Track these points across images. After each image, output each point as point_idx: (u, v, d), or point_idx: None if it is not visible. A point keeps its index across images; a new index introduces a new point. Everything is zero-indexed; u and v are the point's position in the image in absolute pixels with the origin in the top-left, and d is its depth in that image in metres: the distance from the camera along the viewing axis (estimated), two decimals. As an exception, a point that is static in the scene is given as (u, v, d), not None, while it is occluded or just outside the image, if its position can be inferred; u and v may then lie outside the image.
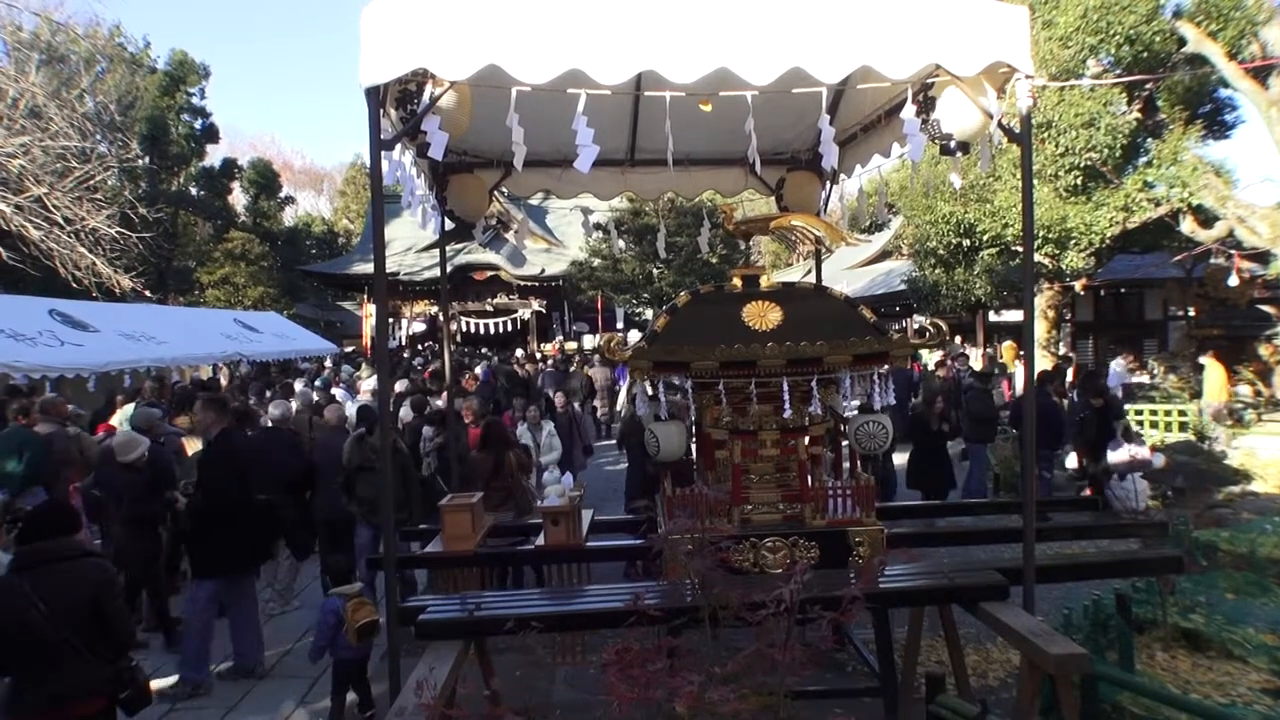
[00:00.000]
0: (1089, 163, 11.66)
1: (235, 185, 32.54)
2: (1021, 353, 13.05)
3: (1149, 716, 3.45)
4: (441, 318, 7.10)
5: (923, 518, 6.14)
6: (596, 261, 23.57)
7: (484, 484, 5.55)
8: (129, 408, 7.75)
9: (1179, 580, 4.88)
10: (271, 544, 5.55)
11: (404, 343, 25.89)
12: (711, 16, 3.08)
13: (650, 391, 4.08)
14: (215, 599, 5.06)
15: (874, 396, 4.06)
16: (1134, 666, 4.03)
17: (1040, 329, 14.17)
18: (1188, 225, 12.02)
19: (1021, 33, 3.38)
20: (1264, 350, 13.76)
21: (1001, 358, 16.44)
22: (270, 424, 6.72)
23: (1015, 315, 17.71)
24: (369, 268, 23.04)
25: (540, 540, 4.57)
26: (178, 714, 4.64)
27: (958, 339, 18.48)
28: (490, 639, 3.60)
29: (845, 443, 4.64)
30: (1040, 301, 14.09)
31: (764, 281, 4.31)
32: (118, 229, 12.87)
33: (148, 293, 16.65)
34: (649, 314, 23.01)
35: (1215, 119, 13.45)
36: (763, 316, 4.01)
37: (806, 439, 4.16)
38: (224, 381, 13.36)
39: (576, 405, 10.96)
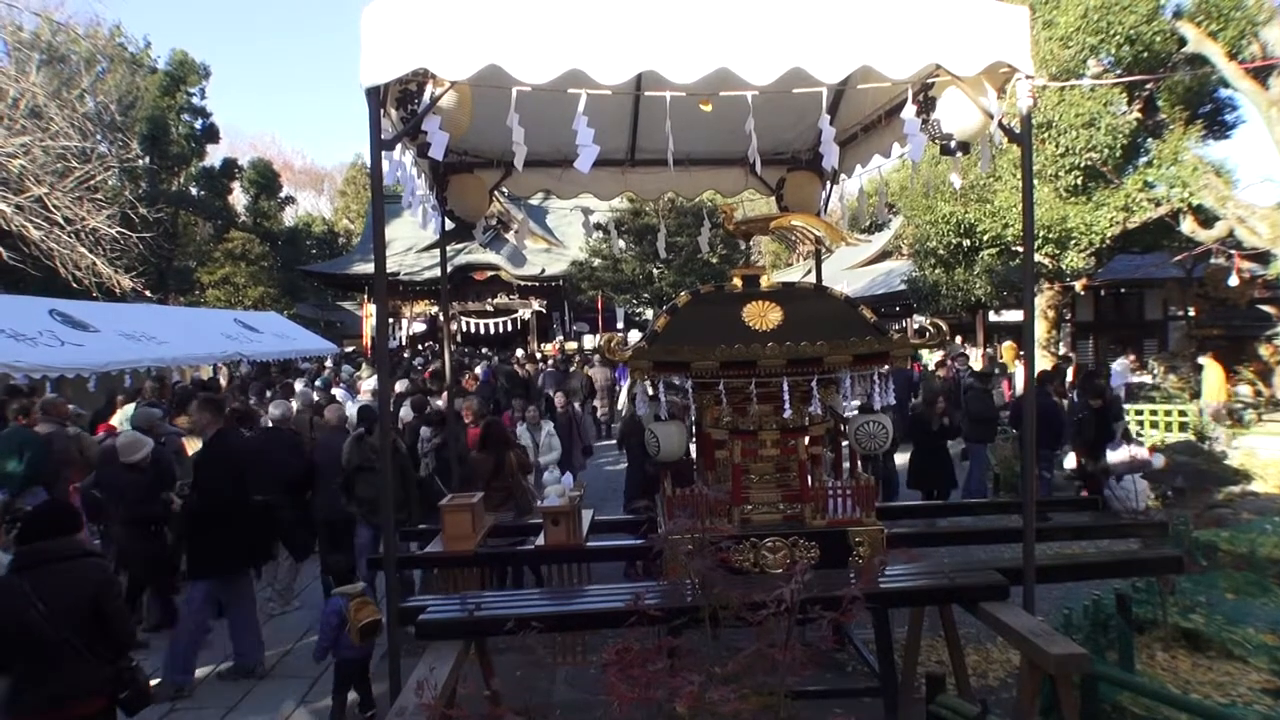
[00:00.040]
0: (1089, 163, 11.66)
1: (235, 185, 32.57)
2: (1021, 353, 13.06)
3: (1149, 717, 3.45)
4: (442, 318, 7.10)
5: (923, 518, 6.14)
6: (597, 261, 23.57)
7: (484, 484, 5.55)
8: (129, 408, 7.76)
9: (1179, 580, 4.88)
10: (269, 545, 5.54)
11: (404, 343, 25.88)
12: (712, 16, 3.08)
13: (650, 391, 4.09)
14: (210, 600, 5.06)
15: (874, 396, 4.06)
16: (1134, 666, 4.03)
17: (1040, 329, 14.17)
18: (1188, 225, 12.02)
19: (1022, 33, 3.38)
20: (1264, 350, 13.77)
21: (1001, 358, 16.44)
22: (271, 424, 6.72)
23: (1015, 315, 17.72)
24: (369, 268, 23.05)
25: (540, 540, 4.57)
26: (178, 714, 4.64)
27: (958, 339, 18.49)
28: (490, 639, 3.60)
29: (845, 443, 4.64)
30: (1040, 301, 14.09)
31: (764, 281, 4.31)
32: (118, 229, 12.87)
33: (148, 293, 16.65)
34: (649, 314, 23.01)
35: (1215, 119, 13.45)
36: (763, 316, 4.01)
37: (806, 439, 4.17)
38: (223, 382, 13.36)
39: (577, 405, 10.96)
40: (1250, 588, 4.91)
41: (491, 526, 4.95)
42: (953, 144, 3.95)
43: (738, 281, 4.30)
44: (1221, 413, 11.06)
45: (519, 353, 19.07)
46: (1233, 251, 11.35)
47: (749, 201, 15.07)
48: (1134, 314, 18.79)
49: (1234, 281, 11.50)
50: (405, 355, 19.75)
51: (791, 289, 4.52)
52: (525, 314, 27.10)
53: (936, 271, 15.28)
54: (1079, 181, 11.90)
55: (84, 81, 16.43)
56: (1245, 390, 12.94)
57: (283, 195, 36.94)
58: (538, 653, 4.54)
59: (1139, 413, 11.17)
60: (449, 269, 6.48)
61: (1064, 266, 12.68)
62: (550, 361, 17.96)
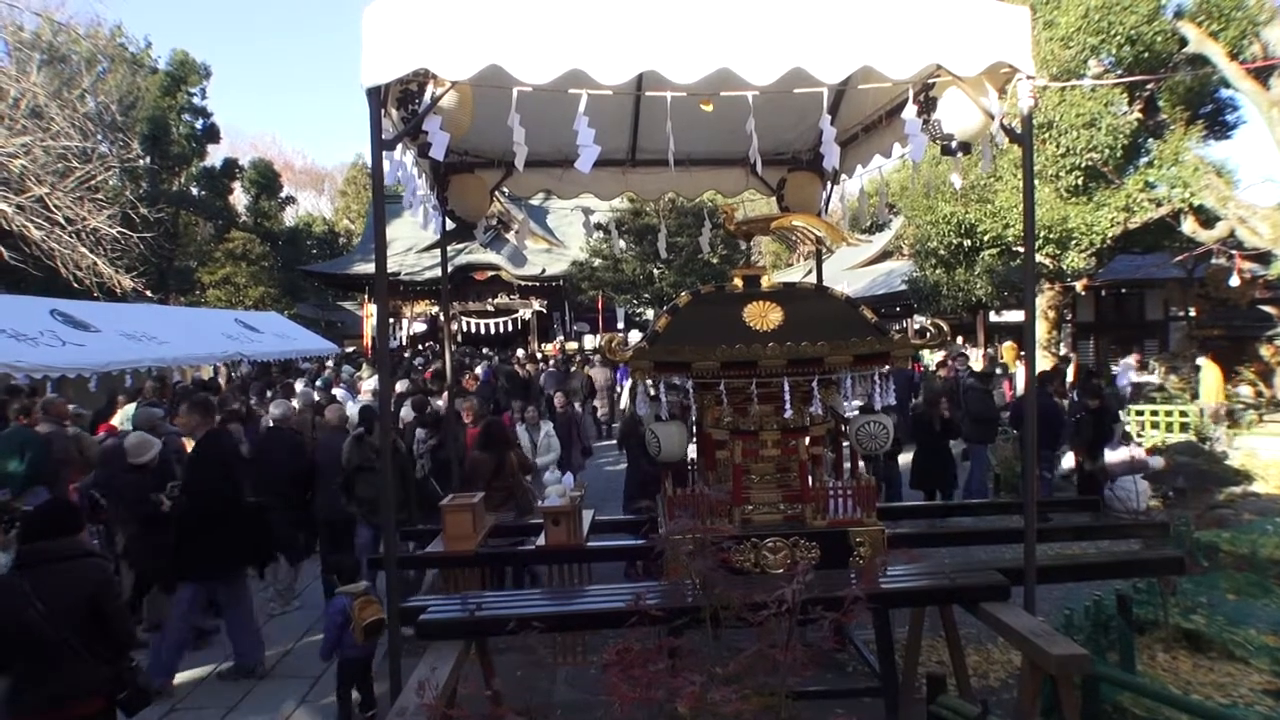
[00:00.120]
0: (1090, 163, 11.66)
1: (236, 185, 32.59)
2: (1022, 353, 13.06)
3: (1150, 717, 3.45)
4: (442, 318, 7.10)
5: (923, 518, 6.14)
6: (597, 261, 23.58)
7: (485, 484, 5.55)
8: (130, 407, 7.77)
9: (1180, 581, 4.88)
10: (263, 547, 5.47)
11: (405, 343, 25.89)
12: (712, 17, 3.08)
13: (651, 392, 4.09)
14: (198, 603, 5.04)
15: (875, 397, 4.06)
16: (1135, 667, 4.03)
17: (1041, 329, 14.16)
18: (1189, 226, 12.02)
19: (1023, 33, 3.38)
20: (1265, 351, 13.76)
21: (1002, 358, 16.44)
22: (272, 424, 6.72)
23: (1016, 315, 17.71)
24: (370, 268, 23.07)
25: (541, 540, 4.57)
26: (178, 714, 4.64)
27: (959, 339, 18.48)
28: (491, 639, 3.60)
29: (846, 443, 4.64)
30: (1041, 302, 14.08)
31: (765, 282, 4.31)
32: (119, 229, 12.88)
33: (149, 293, 16.64)
34: (650, 314, 23.01)
35: (1216, 119, 13.44)
36: (764, 317, 4.01)
37: (807, 439, 4.17)
38: (222, 382, 13.36)
39: (577, 406, 10.95)
40: (1251, 589, 4.91)
41: (492, 526, 4.95)
42: (954, 144, 3.95)
43: (738, 282, 4.30)
44: (1220, 414, 11.05)
45: (519, 353, 19.07)
46: (1234, 252, 11.34)
47: (750, 202, 15.08)
48: (1135, 314, 18.78)
49: (1235, 282, 11.49)
50: (406, 355, 19.76)
51: (792, 289, 4.53)
52: (526, 314, 27.11)
53: (937, 272, 15.28)
54: (1080, 182, 11.90)
55: (85, 81, 16.44)
56: (1246, 391, 12.93)
57: (283, 195, 36.98)
58: (538, 653, 4.55)
59: (1139, 413, 11.17)
60: (449, 269, 6.48)
61: (1065, 267, 12.67)
62: (551, 362, 17.96)
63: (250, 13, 74.41)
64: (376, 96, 3.15)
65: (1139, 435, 10.28)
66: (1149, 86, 12.18)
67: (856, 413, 4.31)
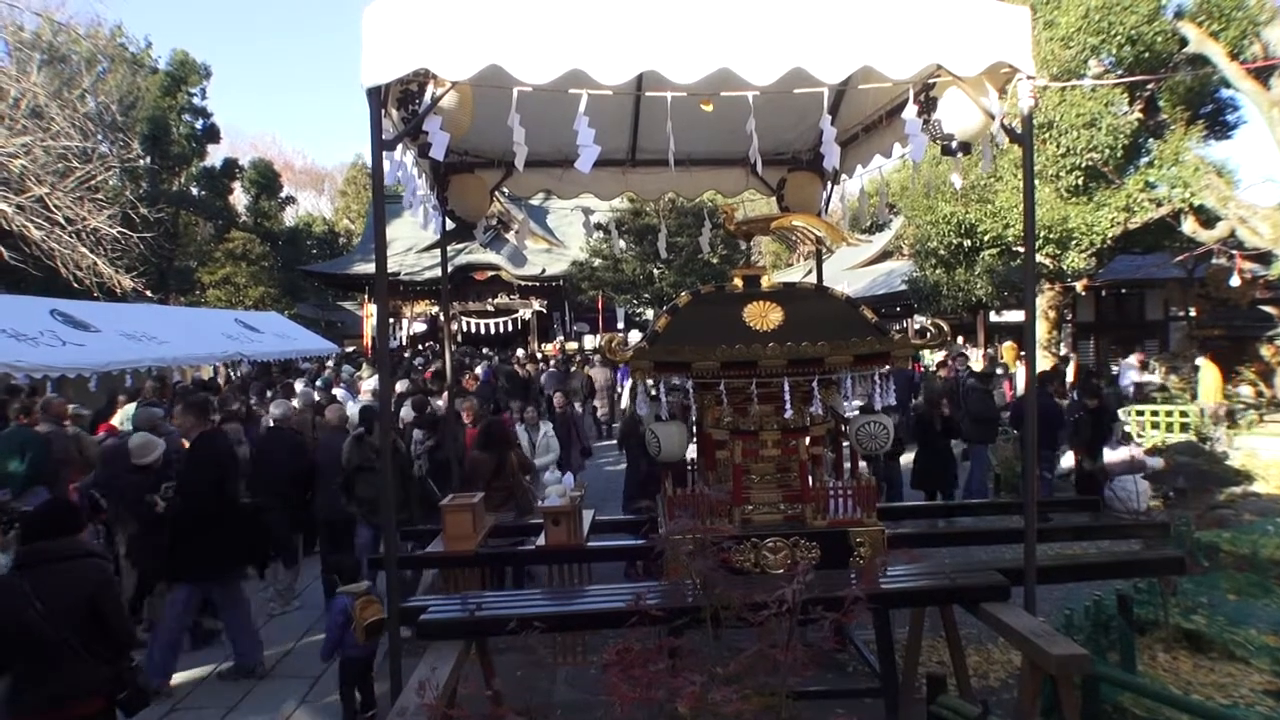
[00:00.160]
0: (1090, 163, 11.65)
1: (236, 185, 32.59)
2: (1022, 353, 13.06)
3: (1150, 717, 3.45)
4: (442, 318, 7.10)
5: (924, 518, 6.14)
6: (597, 261, 23.58)
7: (485, 484, 5.55)
8: (130, 407, 7.76)
9: (1181, 581, 4.88)
10: (258, 549, 5.45)
11: (405, 343, 25.89)
12: (713, 17, 3.08)
13: (652, 392, 4.09)
14: (192, 604, 5.03)
15: (875, 397, 4.06)
16: (1135, 667, 4.03)
17: (1041, 329, 14.16)
18: (1189, 226, 12.01)
19: (1023, 33, 3.37)
20: (1266, 351, 13.74)
21: (1002, 358, 16.43)
22: (272, 424, 6.72)
23: (1016, 316, 17.71)
24: (370, 268, 23.07)
25: (541, 540, 4.57)
26: (178, 714, 4.64)
27: (959, 339, 18.47)
28: (491, 639, 3.60)
29: (846, 443, 4.64)
30: (1041, 302, 14.08)
31: (765, 282, 4.31)
32: (119, 229, 12.88)
33: (149, 293, 16.64)
34: (650, 314, 23.01)
35: (1217, 119, 13.44)
36: (764, 317, 4.01)
37: (807, 439, 4.16)
38: (221, 382, 13.36)
39: (577, 406, 10.94)
40: (1252, 589, 4.91)
41: (492, 526, 4.95)
42: (954, 144, 3.95)
43: (738, 282, 4.30)
44: (1219, 414, 11.04)
45: (519, 353, 19.07)
46: (1234, 252, 11.33)
47: (750, 202, 15.07)
48: (1135, 314, 18.77)
49: (1235, 282, 11.48)
50: (406, 355, 19.76)
51: (792, 289, 4.53)
52: (526, 314, 27.11)
53: (937, 272, 15.28)
54: (1080, 182, 11.89)
55: (85, 81, 16.44)
56: (1247, 391, 12.92)
57: (283, 195, 36.99)
58: (538, 653, 4.55)
59: (1140, 413, 11.16)
60: (449, 269, 6.48)
61: (1065, 267, 12.67)
62: (552, 362, 17.95)
63: (250, 13, 74.49)
64: (377, 97, 3.15)
65: (1139, 435, 10.27)
66: (1149, 86, 12.17)
67: (857, 413, 4.31)
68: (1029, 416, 3.82)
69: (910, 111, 3.63)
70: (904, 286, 18.05)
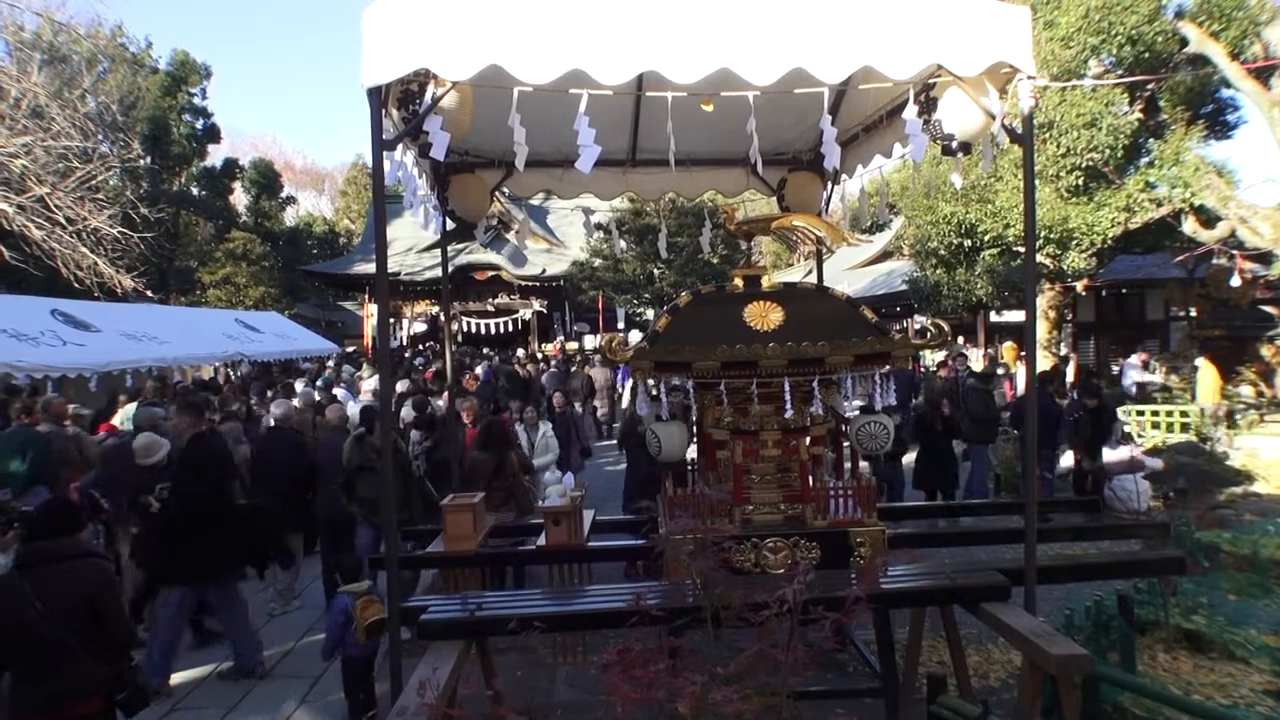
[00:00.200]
0: (1091, 163, 11.65)
1: (236, 185, 32.61)
2: (1022, 353, 13.05)
3: (1151, 718, 3.45)
4: (443, 318, 7.10)
5: (924, 518, 6.13)
6: (597, 261, 23.59)
7: (485, 484, 5.55)
8: (131, 407, 7.77)
9: (1181, 581, 4.88)
10: (255, 551, 5.40)
11: (405, 343, 25.90)
12: (713, 17, 3.08)
13: (653, 392, 4.09)
14: (186, 606, 5.01)
15: (875, 397, 4.06)
16: (1135, 667, 4.02)
17: (1041, 329, 14.15)
18: (1190, 226, 12.01)
19: (1023, 33, 3.37)
20: (1266, 351, 13.73)
21: (1002, 358, 16.43)
22: (273, 424, 6.72)
23: (1017, 316, 17.70)
24: (370, 268, 23.06)
25: (541, 540, 4.57)
26: (178, 714, 4.64)
27: (959, 339, 18.47)
28: (491, 639, 3.60)
29: (846, 443, 4.64)
30: (1041, 302, 14.07)
31: (765, 282, 4.31)
32: (119, 229, 12.88)
33: (149, 293, 16.64)
34: (650, 314, 23.02)
35: (1217, 119, 13.43)
36: (764, 317, 4.01)
37: (808, 439, 4.16)
38: (221, 381, 13.37)
39: (577, 406, 10.92)
40: (1252, 589, 4.91)
41: (493, 526, 4.95)
42: (954, 144, 3.94)
43: (739, 282, 4.30)
44: (1217, 414, 11.04)
45: (520, 353, 19.07)
46: (1235, 252, 11.32)
47: (750, 202, 15.06)
48: (1135, 314, 18.76)
49: (1236, 282, 11.48)
50: (406, 355, 19.77)
51: (793, 289, 4.53)
52: (526, 314, 27.12)
53: (938, 272, 15.27)
54: (1080, 182, 11.89)
55: (85, 81, 16.45)
56: (1247, 391, 12.91)
57: (284, 195, 37.00)
58: (539, 653, 4.54)
59: (1140, 413, 11.16)
60: (450, 269, 6.48)
61: (1065, 267, 12.66)
62: (553, 362, 17.95)
63: (250, 13, 74.50)
64: (377, 97, 3.15)
65: (1139, 435, 10.27)
66: (1150, 86, 12.17)
67: (857, 413, 4.31)
68: (1029, 416, 3.82)
69: (911, 111, 3.63)
70: (904, 286, 18.04)
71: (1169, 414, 10.99)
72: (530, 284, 26.35)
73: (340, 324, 32.04)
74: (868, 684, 4.29)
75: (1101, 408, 8.00)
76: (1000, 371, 13.90)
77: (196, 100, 28.72)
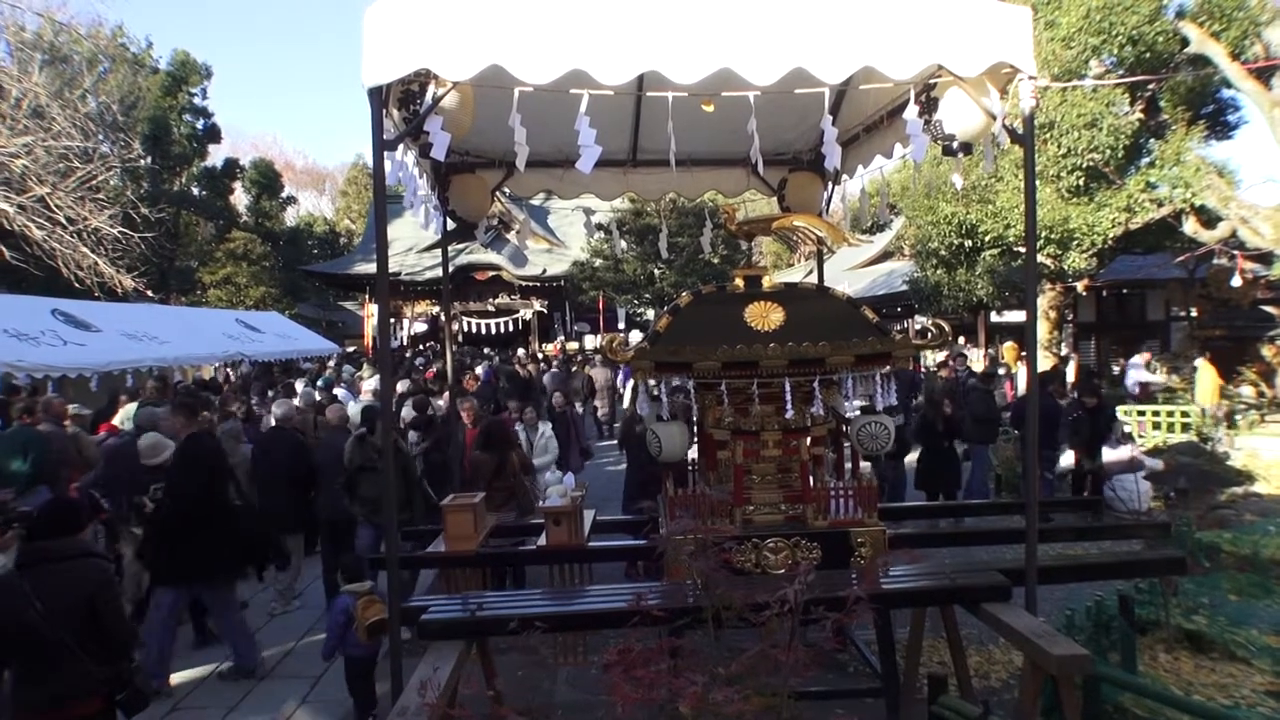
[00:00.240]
0: (1091, 163, 11.65)
1: (237, 185, 32.61)
2: (1023, 353, 13.05)
3: (1152, 718, 3.44)
4: (443, 318, 7.11)
5: (925, 518, 6.13)
6: (598, 262, 23.61)
7: (486, 484, 5.55)
8: (131, 407, 7.77)
9: (1182, 582, 4.87)
10: (252, 553, 5.36)
11: (405, 343, 25.91)
12: (714, 17, 3.08)
13: (654, 392, 4.09)
14: (178, 607, 4.98)
15: (876, 397, 4.05)
16: (1136, 668, 4.02)
17: (1042, 330, 14.14)
18: (1190, 226, 12.01)
19: (1024, 33, 3.37)
20: (1267, 351, 13.73)
21: (1003, 358, 16.44)
22: (274, 424, 6.72)
23: (1017, 316, 17.70)
24: (371, 268, 23.07)
25: (542, 540, 4.57)
26: (179, 714, 4.64)
27: (961, 339, 18.47)
28: (492, 639, 3.60)
29: (848, 443, 4.64)
30: (1042, 302, 14.07)
31: (766, 282, 4.31)
32: (120, 229, 12.89)
33: (150, 292, 16.64)
34: (650, 314, 23.04)
35: (1218, 119, 13.43)
36: (765, 317, 4.01)
37: (808, 440, 4.16)
38: (221, 381, 13.37)
39: (578, 406, 10.91)
40: (1253, 589, 4.91)
41: (493, 526, 4.95)
42: (955, 145, 3.94)
43: (740, 282, 4.30)
44: (1217, 414, 11.03)
45: (520, 353, 19.07)
46: (1235, 252, 11.32)
47: (751, 202, 15.06)
48: (1136, 315, 18.76)
49: (1237, 282, 11.48)
50: (407, 355, 19.77)
51: (793, 289, 4.53)
52: (526, 314, 27.14)
53: (938, 272, 15.27)
54: (1081, 182, 11.90)
55: (86, 82, 16.46)
56: (1248, 391, 12.91)
57: (284, 195, 36.99)
58: (540, 653, 4.55)
59: (1141, 414, 11.15)
60: (450, 269, 6.48)
61: (1066, 267, 12.66)
62: (555, 362, 17.95)
63: (251, 13, 74.53)
64: (378, 97, 3.15)
65: (1140, 436, 10.26)
66: (1150, 87, 12.18)
67: (858, 413, 4.31)
68: (1030, 417, 3.82)
69: (911, 112, 3.63)
70: (905, 287, 18.05)
71: (1169, 414, 10.98)
72: (531, 284, 26.36)
73: (341, 324, 32.04)
74: (868, 684, 4.29)
75: (1100, 407, 8.00)
76: (1001, 372, 13.90)
77: (197, 100, 28.74)
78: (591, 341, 25.40)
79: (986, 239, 13.27)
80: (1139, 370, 13.52)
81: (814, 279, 6.46)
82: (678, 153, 3.61)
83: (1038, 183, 7.28)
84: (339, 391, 10.51)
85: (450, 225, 5.48)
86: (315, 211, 47.93)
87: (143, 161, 21.87)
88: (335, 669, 4.69)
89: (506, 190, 5.88)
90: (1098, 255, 12.69)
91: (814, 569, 2.64)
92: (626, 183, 6.05)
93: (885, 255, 25.48)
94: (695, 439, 4.51)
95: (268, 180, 34.03)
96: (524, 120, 3.23)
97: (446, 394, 7.18)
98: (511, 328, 26.61)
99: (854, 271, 25.34)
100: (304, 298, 32.62)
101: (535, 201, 25.17)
